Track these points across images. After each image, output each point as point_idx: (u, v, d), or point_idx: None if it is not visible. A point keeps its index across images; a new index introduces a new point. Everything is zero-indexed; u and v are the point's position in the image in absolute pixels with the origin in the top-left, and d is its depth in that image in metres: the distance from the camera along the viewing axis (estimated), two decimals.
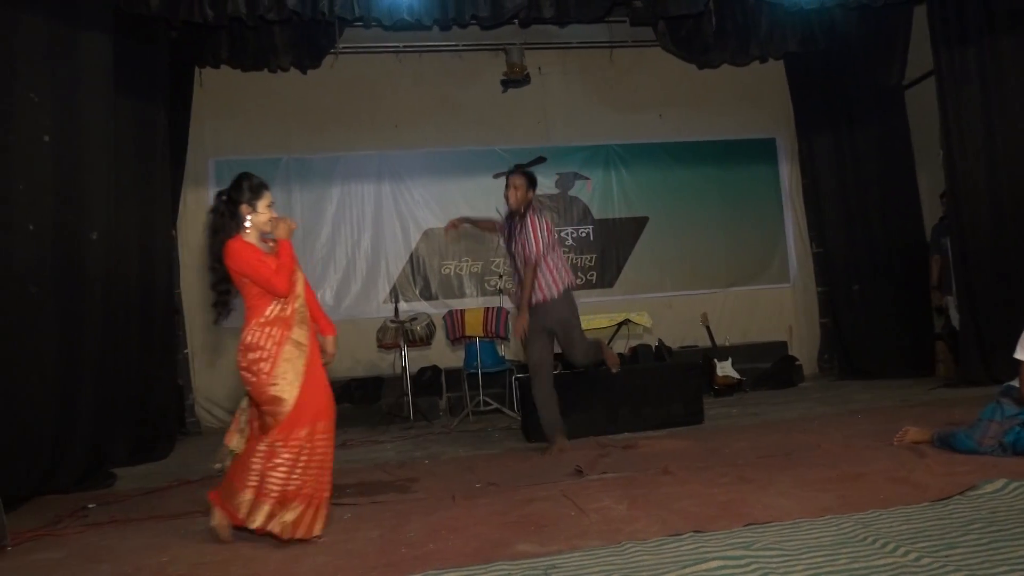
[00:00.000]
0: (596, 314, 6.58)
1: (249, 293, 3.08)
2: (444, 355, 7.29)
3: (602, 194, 8.09)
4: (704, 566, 2.28)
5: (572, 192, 8.04)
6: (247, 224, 3.13)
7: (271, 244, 3.16)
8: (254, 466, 2.95)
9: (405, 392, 6.58)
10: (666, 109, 8.08)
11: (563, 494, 3.45)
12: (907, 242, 7.20)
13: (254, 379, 3.00)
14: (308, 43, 6.78)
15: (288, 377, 2.98)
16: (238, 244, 3.06)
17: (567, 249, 7.97)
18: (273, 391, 2.96)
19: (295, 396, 2.97)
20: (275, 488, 2.93)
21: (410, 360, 6.69)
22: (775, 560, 2.31)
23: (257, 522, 2.91)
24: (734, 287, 8.09)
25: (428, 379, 6.97)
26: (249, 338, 3.02)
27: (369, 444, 5.57)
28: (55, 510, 3.82)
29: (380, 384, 6.93)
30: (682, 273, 8.09)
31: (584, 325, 5.98)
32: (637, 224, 8.09)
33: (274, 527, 2.92)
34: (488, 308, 6.36)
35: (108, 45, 4.90)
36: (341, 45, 7.03)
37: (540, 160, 7.87)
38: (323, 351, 3.20)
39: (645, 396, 5.28)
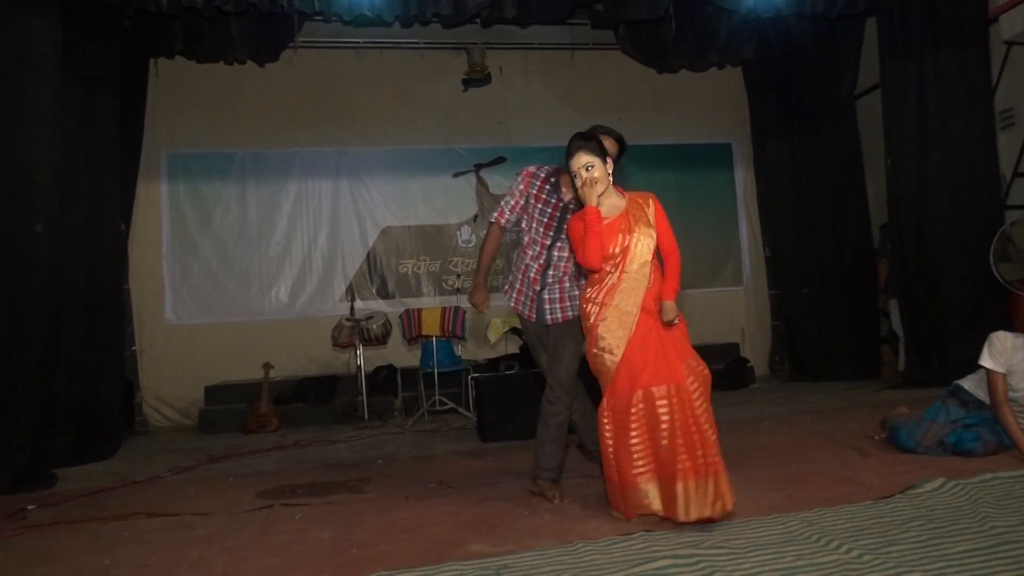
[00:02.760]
0: None
1: None
2: (400, 354, 7.25)
3: None
4: (653, 565, 2.31)
5: None
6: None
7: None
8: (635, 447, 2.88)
9: (360, 391, 6.52)
10: (626, 112, 8.12)
11: (517, 494, 3.46)
12: (855, 247, 7.39)
13: (586, 323, 3.05)
14: (266, 36, 6.69)
15: (613, 329, 2.96)
16: (574, 215, 3.16)
17: None
18: (600, 330, 2.97)
19: (622, 353, 2.94)
20: (641, 462, 2.85)
21: (365, 359, 6.64)
22: (723, 558, 2.34)
23: (680, 514, 2.73)
24: (689, 289, 8.18)
25: (384, 378, 6.92)
26: (587, 290, 3.07)
27: (322, 444, 5.50)
28: None
29: (335, 383, 6.85)
30: None
31: None
32: None
33: (690, 512, 2.72)
34: (445, 308, 6.35)
35: (56, 32, 4.75)
36: (300, 39, 6.93)
37: (500, 160, 7.88)
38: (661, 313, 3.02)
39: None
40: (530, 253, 3.48)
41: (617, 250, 3.00)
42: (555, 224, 3.43)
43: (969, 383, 3.78)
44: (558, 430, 3.41)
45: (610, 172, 3.08)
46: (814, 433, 4.49)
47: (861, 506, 2.82)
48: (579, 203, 3.21)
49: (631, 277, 2.99)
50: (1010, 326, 3.63)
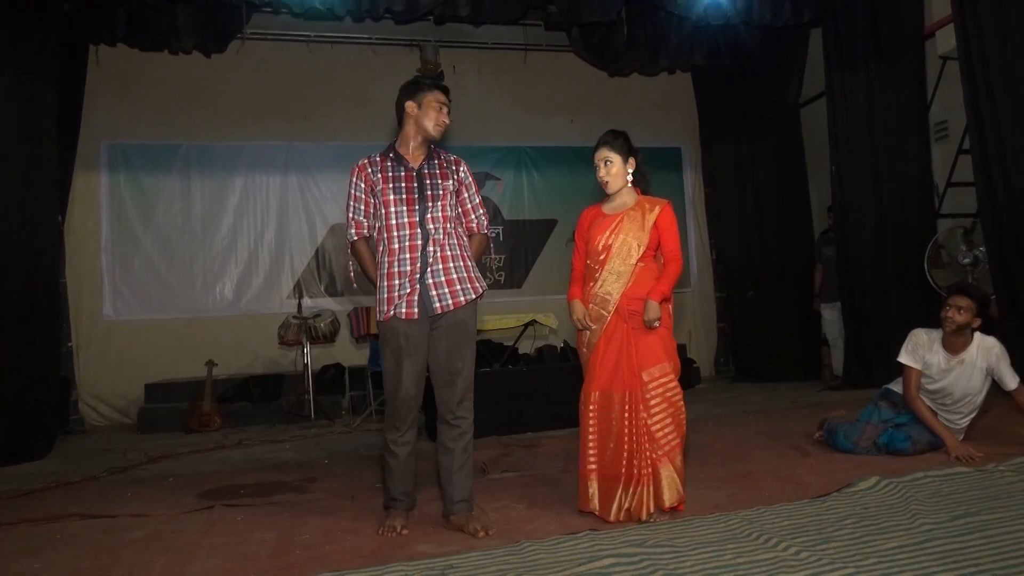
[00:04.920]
0: (504, 314, 6.61)
1: None
2: (348, 353, 7.17)
3: (513, 195, 8.14)
4: (598, 564, 2.33)
5: (483, 192, 8.05)
6: None
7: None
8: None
9: (307, 390, 6.43)
10: (577, 114, 8.20)
11: None
12: (798, 252, 7.58)
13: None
14: (213, 26, 6.54)
15: (594, 326, 3.07)
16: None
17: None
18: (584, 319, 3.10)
19: (592, 347, 3.05)
20: (592, 462, 2.98)
21: (313, 357, 6.54)
22: (666, 556, 2.38)
23: (611, 514, 2.91)
24: None
25: (331, 377, 6.84)
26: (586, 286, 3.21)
27: (267, 443, 5.41)
28: None
29: (281, 382, 6.74)
30: None
31: (492, 325, 6.03)
32: (546, 226, 8.19)
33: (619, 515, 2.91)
34: None
35: None
36: (248, 30, 6.81)
37: None
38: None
39: (550, 396, 5.34)
40: (397, 245, 2.91)
41: (601, 247, 3.12)
42: (416, 195, 2.96)
43: (898, 385, 3.93)
44: (464, 452, 3.05)
45: (630, 171, 3.26)
46: (757, 433, 4.60)
47: (799, 504, 2.90)
48: (431, 167, 3.08)
49: (611, 276, 3.08)
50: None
